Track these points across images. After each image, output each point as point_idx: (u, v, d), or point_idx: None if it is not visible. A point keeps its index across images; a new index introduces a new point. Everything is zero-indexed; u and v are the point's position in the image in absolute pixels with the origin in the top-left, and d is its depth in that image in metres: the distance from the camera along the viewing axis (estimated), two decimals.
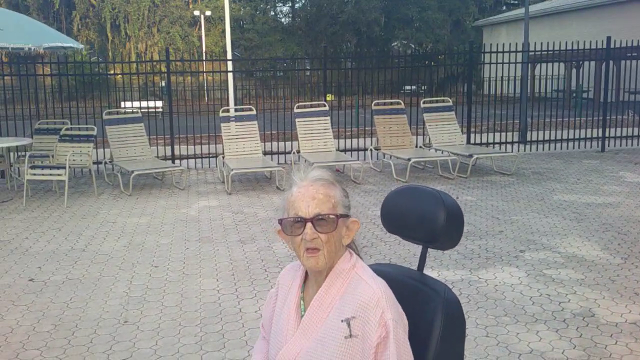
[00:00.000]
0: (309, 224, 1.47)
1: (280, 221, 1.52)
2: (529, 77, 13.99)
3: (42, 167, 7.39)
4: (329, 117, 9.08)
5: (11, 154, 8.41)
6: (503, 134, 10.92)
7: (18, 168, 8.40)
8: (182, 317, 3.84)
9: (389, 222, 1.79)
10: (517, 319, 3.73)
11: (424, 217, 1.68)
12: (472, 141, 10.56)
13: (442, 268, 4.63)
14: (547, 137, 11.44)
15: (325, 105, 9.28)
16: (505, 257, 4.96)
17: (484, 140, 10.93)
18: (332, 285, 1.53)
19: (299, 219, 1.48)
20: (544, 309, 3.88)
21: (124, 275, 4.64)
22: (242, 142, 8.73)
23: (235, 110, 9.20)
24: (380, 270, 1.78)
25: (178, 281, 4.50)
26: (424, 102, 9.67)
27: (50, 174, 7.30)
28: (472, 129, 10.73)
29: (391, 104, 9.66)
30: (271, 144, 10.35)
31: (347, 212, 1.54)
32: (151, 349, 3.41)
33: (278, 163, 9.25)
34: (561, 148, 11.33)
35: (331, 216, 1.48)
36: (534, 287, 4.25)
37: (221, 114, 8.88)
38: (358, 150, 10.21)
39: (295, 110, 9.05)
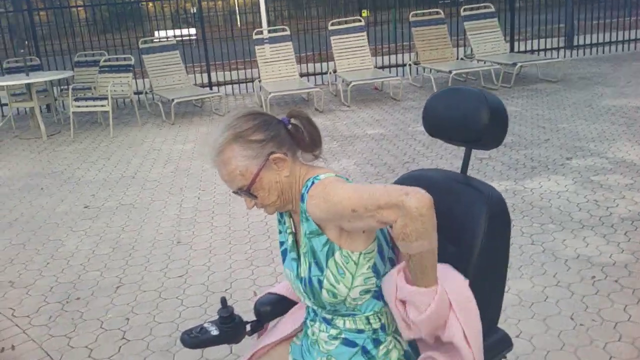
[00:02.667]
0: (244, 197, 1.47)
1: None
2: None
3: (86, 99, 7.52)
4: (365, 33, 8.83)
5: (54, 88, 8.58)
6: (548, 40, 10.44)
7: (62, 101, 8.58)
8: (231, 236, 3.97)
9: (432, 125, 1.76)
10: (563, 226, 3.71)
11: (466, 116, 1.65)
12: (515, 49, 10.15)
13: (485, 179, 4.59)
14: (594, 41, 10.88)
15: (360, 21, 9.01)
16: (551, 165, 4.87)
17: (529, 48, 10.49)
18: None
19: (234, 192, 1.48)
20: (591, 214, 3.83)
21: (174, 199, 4.79)
22: (277, 65, 8.63)
23: (269, 31, 9.04)
24: (424, 175, 1.78)
25: (225, 203, 4.62)
26: (464, 10, 9.26)
27: (94, 105, 7.45)
28: (516, 37, 10.27)
29: (430, 14, 9.29)
30: (307, 66, 10.21)
31: (261, 159, 1.40)
32: (204, 265, 3.56)
33: (315, 84, 9.16)
34: (610, 51, 10.78)
35: (245, 188, 1.43)
36: (580, 194, 4.19)
37: (254, 37, 8.75)
38: (397, 66, 9.97)
39: (330, 28, 8.83)
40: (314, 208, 1.36)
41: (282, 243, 1.59)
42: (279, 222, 1.60)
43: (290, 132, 1.46)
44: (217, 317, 1.67)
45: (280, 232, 1.60)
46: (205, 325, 1.66)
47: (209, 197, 4.78)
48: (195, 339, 1.63)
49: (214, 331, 1.64)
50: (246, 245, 3.82)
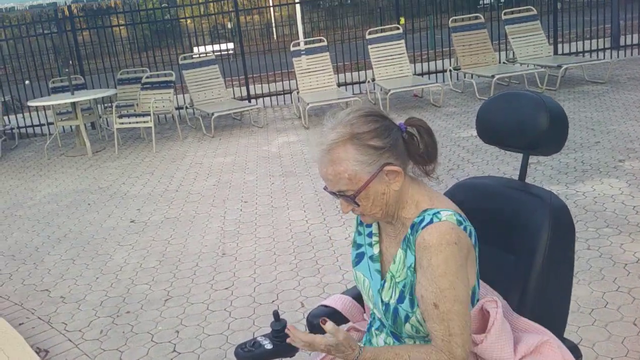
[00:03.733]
0: (340, 199, 1.36)
1: (325, 189, 1.42)
2: None
3: (129, 116, 7.68)
4: (403, 40, 8.77)
5: (98, 105, 8.79)
6: (594, 40, 10.16)
7: (106, 119, 8.79)
8: (275, 247, 3.95)
9: (486, 132, 1.69)
10: (619, 229, 3.55)
11: (524, 122, 1.58)
12: (560, 51, 9.90)
13: (535, 184, 4.45)
14: None
15: (398, 29, 8.95)
16: (603, 168, 4.70)
17: (573, 50, 10.22)
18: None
19: (330, 192, 1.37)
20: None
21: (217, 211, 4.81)
22: (315, 76, 8.65)
23: (306, 43, 9.07)
24: (478, 183, 1.71)
25: (268, 214, 4.61)
26: (504, 14, 9.10)
27: (137, 122, 7.59)
28: (560, 39, 10.03)
29: (469, 18, 9.16)
30: (344, 75, 10.20)
31: (375, 167, 1.30)
32: (250, 277, 3.55)
33: (353, 93, 9.13)
34: None
35: (349, 193, 1.32)
36: (636, 197, 4.01)
37: (292, 48, 8.79)
38: (436, 72, 9.86)
39: (368, 37, 8.80)
40: (422, 253, 1.29)
41: (359, 245, 1.51)
42: (361, 222, 1.52)
43: (405, 141, 1.36)
44: (270, 330, 1.63)
45: (359, 234, 1.53)
46: (259, 339, 1.63)
47: (251, 209, 4.78)
48: (249, 353, 1.60)
49: (268, 345, 1.61)
50: (290, 256, 3.79)
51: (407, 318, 1.35)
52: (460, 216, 1.34)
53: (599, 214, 3.82)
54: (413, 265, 1.33)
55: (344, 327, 1.66)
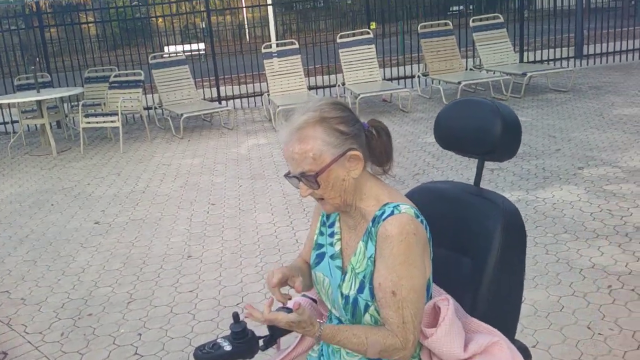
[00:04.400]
0: (300, 182, 1.41)
1: (285, 176, 1.46)
2: None
3: (96, 115, 7.58)
4: (373, 45, 8.85)
5: (64, 104, 8.65)
6: (558, 49, 10.41)
7: (72, 117, 8.65)
8: (242, 250, 3.96)
9: (443, 138, 1.75)
10: (577, 235, 3.66)
11: (479, 128, 1.63)
12: (525, 59, 10.12)
13: (497, 190, 4.55)
14: (604, 50, 10.83)
15: (369, 33, 9.03)
16: (563, 175, 4.83)
17: (538, 58, 10.46)
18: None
19: (292, 176, 1.42)
20: (605, 224, 3.78)
21: (184, 213, 4.79)
22: (286, 78, 8.67)
23: (277, 45, 9.08)
24: (436, 187, 1.76)
25: (235, 217, 4.61)
26: (473, 21, 9.27)
27: (104, 121, 7.49)
28: (525, 47, 10.25)
29: (438, 25, 9.30)
30: (315, 78, 10.24)
31: (339, 150, 1.37)
32: (215, 280, 3.55)
33: (323, 97, 9.17)
34: (620, 60, 10.73)
35: (311, 173, 1.37)
36: (594, 203, 4.14)
37: (263, 50, 8.79)
38: (405, 77, 9.98)
39: (339, 41, 8.86)
40: (383, 243, 1.36)
41: (320, 245, 1.56)
42: (324, 223, 1.57)
43: (367, 138, 1.44)
44: (229, 332, 1.65)
45: (322, 234, 1.57)
46: (218, 340, 1.64)
47: (218, 211, 4.77)
48: (207, 354, 1.61)
49: (227, 347, 1.62)
50: (257, 258, 3.80)
51: (366, 308, 1.40)
52: (417, 210, 1.42)
53: (558, 219, 3.93)
54: (373, 256, 1.40)
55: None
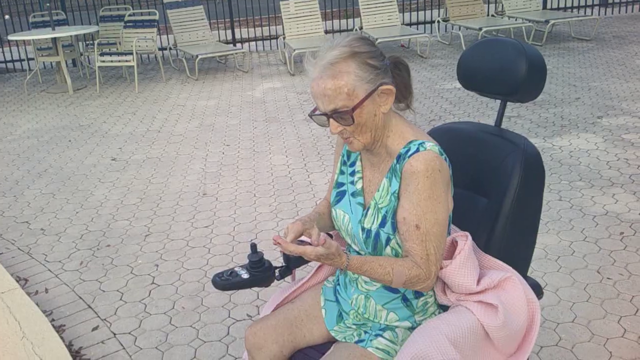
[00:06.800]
0: (331, 120, 1.39)
1: (311, 116, 1.45)
2: None
3: (111, 54, 7.53)
4: None
5: (80, 43, 8.60)
6: None
7: (88, 56, 8.61)
8: (256, 190, 4.00)
9: (467, 78, 1.72)
10: (592, 183, 3.65)
11: (503, 68, 1.61)
12: (548, 6, 9.84)
13: None
14: None
15: None
16: (581, 123, 4.77)
17: (562, 5, 10.15)
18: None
19: (321, 114, 1.40)
20: (621, 172, 3.76)
21: (199, 153, 4.83)
22: (302, 22, 8.51)
23: None
24: (456, 127, 1.75)
25: (249, 158, 4.63)
26: None
27: (119, 60, 7.46)
28: None
29: None
30: (332, 22, 10.04)
31: (372, 85, 1.36)
32: (230, 217, 3.60)
33: None
34: None
35: (346, 109, 1.36)
36: (611, 152, 4.11)
37: None
38: (425, 23, 9.76)
39: None
40: (408, 179, 1.38)
41: (340, 184, 1.57)
42: (344, 163, 1.58)
43: (391, 71, 1.44)
44: (247, 261, 1.69)
45: (342, 173, 1.58)
46: (236, 269, 1.68)
47: (233, 152, 4.79)
48: (225, 281, 1.65)
49: (244, 274, 1.66)
50: (270, 198, 3.84)
51: (388, 241, 1.43)
52: (441, 148, 1.44)
53: (574, 167, 3.92)
54: (397, 191, 1.42)
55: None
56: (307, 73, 1.41)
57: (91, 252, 3.27)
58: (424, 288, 1.40)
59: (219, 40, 9.30)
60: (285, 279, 1.81)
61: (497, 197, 1.58)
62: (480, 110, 5.35)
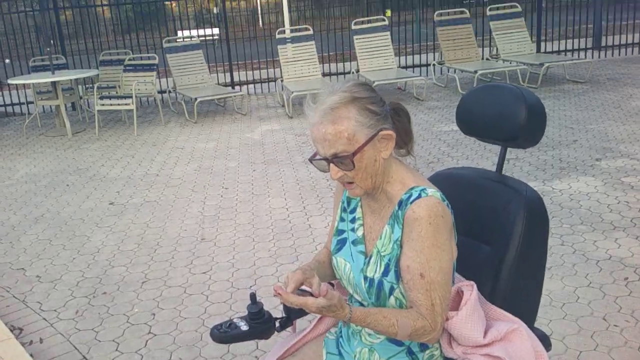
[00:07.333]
0: (331, 164, 1.38)
1: (311, 160, 1.44)
2: None
3: (110, 98, 7.59)
4: (388, 33, 8.78)
5: (79, 86, 8.68)
6: (576, 40, 10.28)
7: (87, 100, 8.68)
8: (255, 234, 3.96)
9: (466, 123, 1.72)
10: (593, 227, 3.63)
11: (503, 114, 1.61)
12: (542, 49, 10.01)
13: None
14: (622, 42, 10.69)
15: (384, 20, 8.96)
16: (580, 166, 4.78)
17: (555, 48, 10.34)
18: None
19: (322, 158, 1.39)
20: (622, 216, 3.74)
21: (197, 196, 4.80)
22: (300, 64, 8.63)
23: (292, 31, 9.03)
24: (456, 173, 1.74)
25: (248, 201, 4.61)
26: (490, 10, 9.16)
27: (119, 104, 7.51)
28: (543, 37, 10.14)
29: (454, 13, 9.21)
30: (329, 65, 10.18)
31: (372, 130, 1.36)
32: (229, 262, 3.55)
33: None
34: (638, 52, 10.58)
35: (346, 154, 1.35)
36: (611, 195, 4.10)
37: (277, 36, 8.74)
38: (420, 66, 9.90)
39: (353, 27, 8.79)
40: (411, 225, 1.36)
41: (341, 232, 1.55)
42: (344, 209, 1.56)
43: (391, 117, 1.44)
44: (246, 312, 1.64)
45: (342, 220, 1.55)
46: (235, 320, 1.64)
47: (232, 195, 4.77)
48: (224, 334, 1.61)
49: (244, 326, 1.62)
50: (270, 242, 3.80)
51: (391, 290, 1.40)
52: (443, 194, 1.41)
53: (574, 211, 3.90)
54: (400, 239, 1.39)
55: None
56: (307, 117, 1.40)
57: (87, 300, 3.21)
58: (430, 340, 1.37)
59: (218, 83, 9.40)
60: (286, 329, 1.76)
61: (500, 244, 1.55)
62: (478, 152, 5.37)
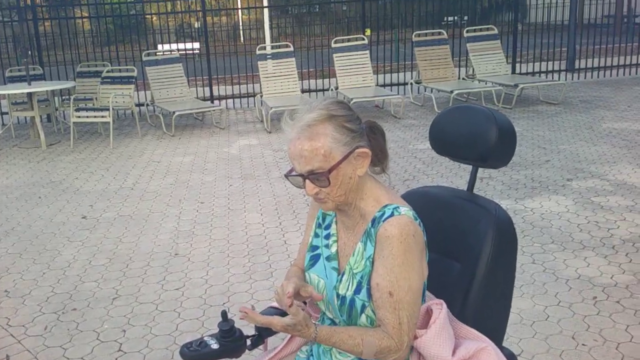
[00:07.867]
0: (307, 181, 1.39)
1: (287, 176, 1.45)
2: (578, 2, 13.25)
3: (87, 110, 7.53)
4: (368, 51, 8.88)
5: (55, 97, 8.59)
6: (550, 62, 10.50)
7: (63, 111, 8.59)
8: (230, 249, 3.94)
9: (438, 143, 1.75)
10: (564, 246, 3.69)
11: (474, 134, 1.64)
12: (517, 71, 10.21)
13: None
14: (595, 65, 10.95)
15: (364, 39, 9.06)
16: (551, 186, 4.87)
17: (530, 70, 10.55)
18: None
19: (297, 175, 1.40)
20: (592, 235, 3.81)
21: (172, 211, 4.77)
22: (279, 80, 8.66)
23: (272, 47, 9.08)
24: (429, 192, 1.76)
25: (224, 216, 4.59)
26: (467, 31, 9.33)
27: (95, 116, 7.45)
28: (518, 59, 10.34)
29: (432, 34, 9.36)
30: (308, 82, 10.24)
31: (348, 148, 1.37)
32: (202, 278, 3.53)
33: None
34: (610, 75, 10.85)
35: (322, 170, 1.36)
36: (581, 215, 4.17)
37: (258, 52, 8.79)
38: (398, 84, 10.01)
39: (333, 45, 8.87)
40: (383, 243, 1.37)
41: (314, 247, 1.55)
42: (319, 225, 1.57)
43: (367, 135, 1.46)
44: (217, 330, 1.64)
45: (317, 236, 1.56)
46: (205, 338, 1.62)
47: (207, 210, 4.75)
48: (194, 352, 1.59)
49: (214, 345, 1.61)
50: (244, 258, 3.79)
51: (363, 308, 1.40)
52: (415, 213, 1.43)
53: (545, 230, 3.96)
54: (372, 256, 1.40)
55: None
56: (284, 133, 1.41)
57: (56, 315, 3.15)
58: (396, 359, 1.38)
59: (197, 97, 9.39)
60: (258, 347, 1.75)
61: (470, 262, 1.58)
62: (453, 170, 5.43)
